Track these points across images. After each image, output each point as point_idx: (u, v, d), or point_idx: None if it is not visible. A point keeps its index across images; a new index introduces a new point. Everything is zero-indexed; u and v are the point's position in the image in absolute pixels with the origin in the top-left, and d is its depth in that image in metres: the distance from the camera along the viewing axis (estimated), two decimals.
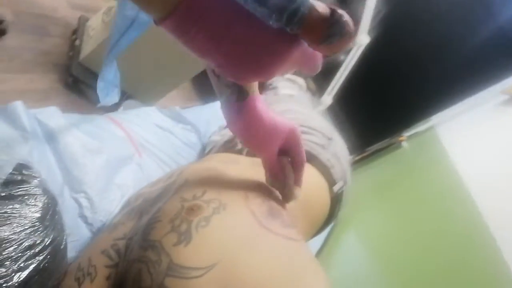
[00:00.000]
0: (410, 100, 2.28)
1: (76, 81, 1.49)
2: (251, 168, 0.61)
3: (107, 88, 0.78)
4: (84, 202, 0.61)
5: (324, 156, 0.73)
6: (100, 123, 0.74)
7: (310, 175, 0.68)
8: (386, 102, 2.42)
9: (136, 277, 0.37)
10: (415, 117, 2.23)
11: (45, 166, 0.56)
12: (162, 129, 0.88)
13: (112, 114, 0.81)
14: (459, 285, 0.62)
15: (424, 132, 2.13)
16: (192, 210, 0.41)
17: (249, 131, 0.44)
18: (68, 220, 0.58)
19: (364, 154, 2.37)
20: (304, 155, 0.49)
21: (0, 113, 0.55)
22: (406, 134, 2.25)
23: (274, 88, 1.09)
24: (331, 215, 0.76)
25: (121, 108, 1.39)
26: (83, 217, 0.60)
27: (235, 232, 0.39)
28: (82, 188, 0.61)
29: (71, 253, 0.54)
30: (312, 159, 0.71)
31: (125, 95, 1.48)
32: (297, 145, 0.48)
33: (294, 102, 0.99)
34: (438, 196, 1.16)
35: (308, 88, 2.38)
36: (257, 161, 0.65)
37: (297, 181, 0.49)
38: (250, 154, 0.76)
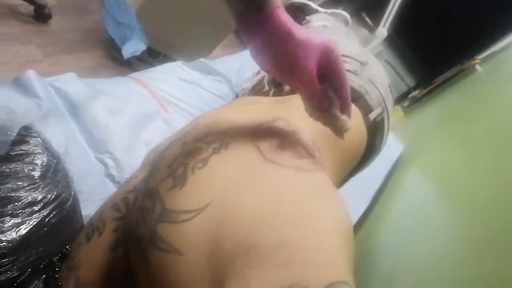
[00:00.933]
0: (482, 17, 1.97)
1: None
2: (272, 105, 0.56)
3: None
4: (110, 162, 0.62)
5: (356, 82, 0.66)
6: (121, 84, 0.74)
7: None
8: (453, 23, 2.13)
9: (133, 226, 0.36)
10: (489, 37, 1.95)
11: (63, 131, 0.58)
12: (189, 82, 0.87)
13: (135, 74, 0.81)
14: None
15: (502, 51, 1.86)
16: (190, 153, 0.38)
17: (277, 46, 0.36)
18: (95, 180, 0.60)
19: (432, 86, 2.15)
20: (346, 75, 0.41)
21: (14, 84, 0.57)
22: (480, 56, 1.99)
23: (307, 22, 1.00)
24: (371, 146, 0.69)
25: None
26: (110, 176, 0.61)
27: (234, 169, 0.36)
28: (106, 148, 0.62)
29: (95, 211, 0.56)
30: None
31: (163, 56, 1.47)
32: (337, 63, 0.39)
33: (326, 33, 0.90)
34: None
35: (361, 22, 2.20)
36: (281, 99, 0.60)
37: (345, 108, 0.42)
38: (276, 94, 0.71)
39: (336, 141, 0.56)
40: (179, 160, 0.38)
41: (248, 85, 0.85)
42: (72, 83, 0.65)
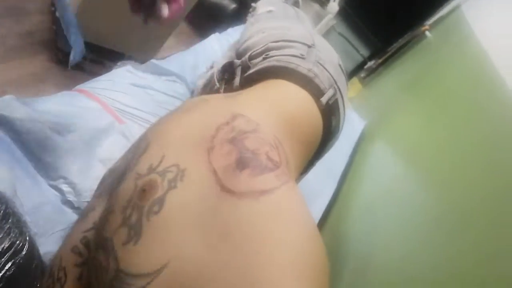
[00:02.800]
0: None
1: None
2: (225, 100, 0.54)
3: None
4: (65, 187, 0.58)
5: (303, 67, 0.64)
6: (68, 99, 0.69)
7: (288, 92, 0.61)
8: None
9: (87, 281, 0.34)
10: (436, 2, 2.00)
11: (7, 162, 0.53)
12: (142, 87, 0.82)
13: (82, 86, 0.75)
14: (495, 178, 0.53)
15: (449, 14, 1.90)
16: (144, 191, 0.35)
17: None
18: (51, 209, 0.55)
19: (386, 56, 2.18)
20: None
21: None
22: (429, 22, 2.03)
23: (254, 9, 0.97)
24: (328, 129, 0.68)
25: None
26: (68, 203, 0.58)
27: (190, 211, 0.33)
28: (59, 173, 0.58)
29: (59, 244, 0.53)
30: (290, 74, 0.63)
31: (117, 57, 1.41)
32: None
33: (271, 19, 0.88)
34: (468, 82, 1.04)
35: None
36: (231, 94, 0.57)
37: None
38: (227, 90, 0.69)
39: (292, 128, 0.54)
40: (133, 201, 0.35)
41: (201, 82, 0.82)
42: (10, 106, 0.60)
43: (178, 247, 0.31)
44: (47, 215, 0.53)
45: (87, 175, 0.61)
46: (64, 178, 0.58)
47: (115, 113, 0.73)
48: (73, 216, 0.57)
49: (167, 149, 0.40)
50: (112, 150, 0.67)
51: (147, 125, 0.76)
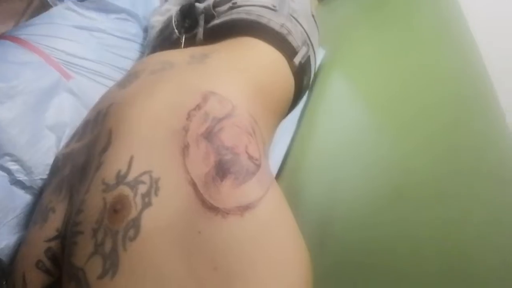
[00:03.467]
0: None
1: None
2: (189, 72, 0.48)
3: None
4: (12, 165, 0.51)
5: (276, 22, 0.59)
6: (1, 57, 0.58)
7: (260, 56, 0.56)
8: None
9: None
10: None
11: None
12: (88, 29, 0.71)
13: (15, 32, 0.63)
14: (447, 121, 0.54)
15: None
16: (116, 212, 0.31)
17: None
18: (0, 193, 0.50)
19: None
20: None
21: None
22: None
23: None
24: (299, 89, 0.65)
25: None
26: (18, 183, 0.52)
27: (170, 235, 0.31)
28: (3, 151, 0.51)
29: (16, 233, 0.48)
30: (261, 30, 0.58)
31: None
32: None
33: None
34: (434, 23, 1.01)
35: None
36: (199, 55, 0.52)
37: None
38: (188, 43, 0.61)
39: (266, 98, 0.52)
40: (104, 223, 0.31)
41: (157, 21, 0.72)
42: None
43: (162, 282, 0.29)
44: None
45: (36, 148, 0.54)
46: (10, 155, 0.51)
47: (60, 66, 0.63)
48: (26, 198, 0.51)
49: (134, 148, 0.35)
50: (61, 113, 0.59)
51: (99, 79, 0.67)
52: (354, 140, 0.83)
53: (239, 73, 0.50)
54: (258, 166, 0.37)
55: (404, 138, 0.64)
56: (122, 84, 0.47)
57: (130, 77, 0.48)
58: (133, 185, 0.32)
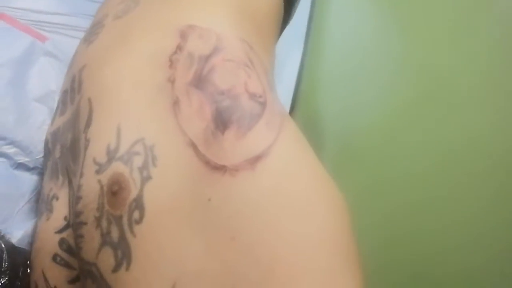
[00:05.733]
0: None
1: None
2: (158, 5, 0.41)
3: None
4: (8, 149, 0.47)
5: None
6: None
7: None
8: None
9: None
10: None
11: None
12: None
13: None
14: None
15: None
16: (114, 195, 0.27)
17: None
18: (4, 182, 0.46)
19: None
20: None
21: None
22: None
23: None
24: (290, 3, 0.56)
25: None
26: (21, 166, 0.48)
27: (178, 209, 0.26)
28: None
29: (31, 219, 0.46)
30: None
31: None
32: None
33: None
34: None
35: None
36: None
37: None
38: None
39: (253, 13, 0.44)
40: (105, 210, 0.27)
41: None
42: None
43: (179, 263, 0.25)
44: (2, 193, 0.44)
45: (28, 125, 0.49)
46: (3, 138, 0.47)
47: (31, 28, 0.56)
48: (33, 180, 0.48)
49: (119, 115, 0.30)
50: (45, 81, 0.53)
51: (76, 33, 0.60)
52: (372, 51, 0.71)
53: None
54: (264, 104, 0.30)
55: (434, 45, 0.54)
56: (88, 38, 0.41)
57: (95, 27, 0.41)
58: (127, 159, 0.28)
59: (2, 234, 0.37)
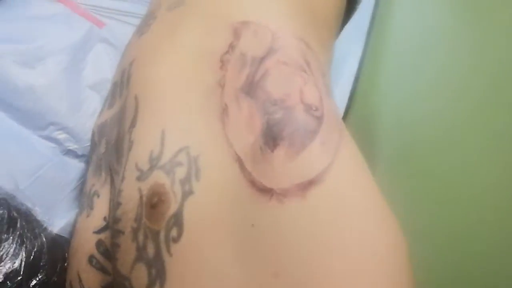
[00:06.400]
0: None
1: None
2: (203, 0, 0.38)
3: None
4: (59, 135, 0.48)
5: None
6: (15, 10, 0.52)
7: None
8: None
9: None
10: None
11: None
12: None
13: None
14: None
15: None
16: (153, 208, 0.25)
17: None
18: (51, 168, 0.46)
19: None
20: None
21: None
22: None
23: None
24: None
25: None
26: (70, 153, 0.48)
27: (218, 229, 0.24)
28: (47, 120, 0.47)
29: (75, 208, 0.46)
30: None
31: None
32: None
33: None
34: None
35: None
36: None
37: None
38: None
39: (312, 6, 0.40)
40: (143, 222, 0.25)
41: None
42: None
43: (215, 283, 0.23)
44: (50, 178, 0.45)
45: (81, 112, 0.49)
46: (55, 123, 0.47)
47: (90, 13, 0.56)
48: (80, 167, 0.48)
49: (165, 119, 0.28)
50: (100, 68, 0.53)
51: (133, 20, 0.59)
52: (437, 51, 0.65)
53: None
54: (320, 118, 0.27)
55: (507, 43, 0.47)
56: (141, 29, 0.39)
57: (148, 18, 0.39)
58: (169, 169, 0.26)
59: (44, 226, 0.36)
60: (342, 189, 0.25)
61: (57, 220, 0.42)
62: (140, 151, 0.28)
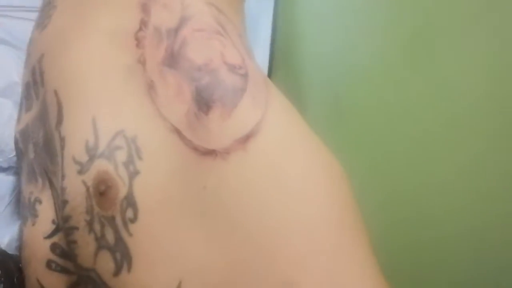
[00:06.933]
0: None
1: None
2: None
3: None
4: None
5: None
6: None
7: None
8: None
9: None
10: None
11: None
12: None
13: None
14: None
15: None
16: (102, 195, 0.25)
17: None
18: None
19: None
20: None
21: None
22: None
23: None
24: None
25: None
26: None
27: (172, 203, 0.25)
28: None
29: (14, 222, 0.43)
30: None
31: None
32: None
33: None
34: None
35: None
36: None
37: None
38: None
39: None
40: (95, 212, 0.25)
41: None
42: None
43: (182, 258, 0.25)
44: None
45: None
46: None
47: None
48: (10, 180, 0.45)
49: (92, 106, 0.28)
50: (4, 72, 0.49)
51: (26, 14, 0.54)
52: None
53: None
54: (245, 75, 0.28)
55: None
56: (41, 22, 0.37)
57: (46, 9, 0.37)
58: (109, 155, 0.26)
59: None
60: (278, 136, 0.27)
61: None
62: (75, 144, 0.27)
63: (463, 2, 0.32)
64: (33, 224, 0.33)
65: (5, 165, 0.45)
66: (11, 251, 0.40)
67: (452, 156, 0.33)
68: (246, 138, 0.25)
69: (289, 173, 0.25)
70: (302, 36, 0.78)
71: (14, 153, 0.46)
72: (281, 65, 0.82)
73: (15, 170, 0.46)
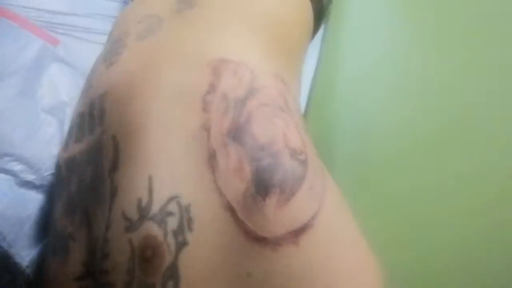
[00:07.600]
0: None
1: None
2: (182, 24, 0.38)
3: None
4: (15, 166, 0.44)
5: None
6: None
7: None
8: None
9: None
10: None
11: None
12: None
13: None
14: None
15: None
16: (147, 261, 0.25)
17: None
18: (9, 201, 0.43)
19: None
20: None
21: None
22: None
23: None
24: (319, 10, 0.53)
25: None
26: (27, 184, 0.45)
27: (215, 279, 0.25)
28: (0, 150, 0.44)
29: (37, 243, 0.43)
30: None
31: None
32: None
33: None
34: None
35: None
36: (184, 4, 0.40)
37: None
38: None
39: (282, 36, 0.41)
40: (136, 275, 0.25)
41: None
42: None
43: None
44: (6, 212, 0.42)
45: (37, 139, 0.46)
46: (9, 154, 0.44)
47: (43, 30, 0.52)
48: (38, 199, 0.45)
49: (150, 164, 0.28)
50: (56, 90, 0.50)
51: (89, 36, 0.56)
52: (388, 59, 0.69)
53: (240, 13, 0.38)
54: (305, 162, 0.28)
55: (453, 55, 0.52)
56: (108, 57, 0.37)
57: (115, 45, 0.38)
58: (161, 220, 0.25)
59: (16, 262, 0.34)
60: (331, 233, 0.26)
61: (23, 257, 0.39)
62: (127, 199, 0.28)
63: None
64: (63, 262, 0.33)
65: (38, 182, 0.45)
66: (31, 271, 0.40)
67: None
68: (299, 232, 0.25)
69: (339, 273, 0.25)
70: (340, 84, 0.79)
71: (49, 171, 0.46)
72: (316, 108, 0.83)
73: (46, 188, 0.46)
